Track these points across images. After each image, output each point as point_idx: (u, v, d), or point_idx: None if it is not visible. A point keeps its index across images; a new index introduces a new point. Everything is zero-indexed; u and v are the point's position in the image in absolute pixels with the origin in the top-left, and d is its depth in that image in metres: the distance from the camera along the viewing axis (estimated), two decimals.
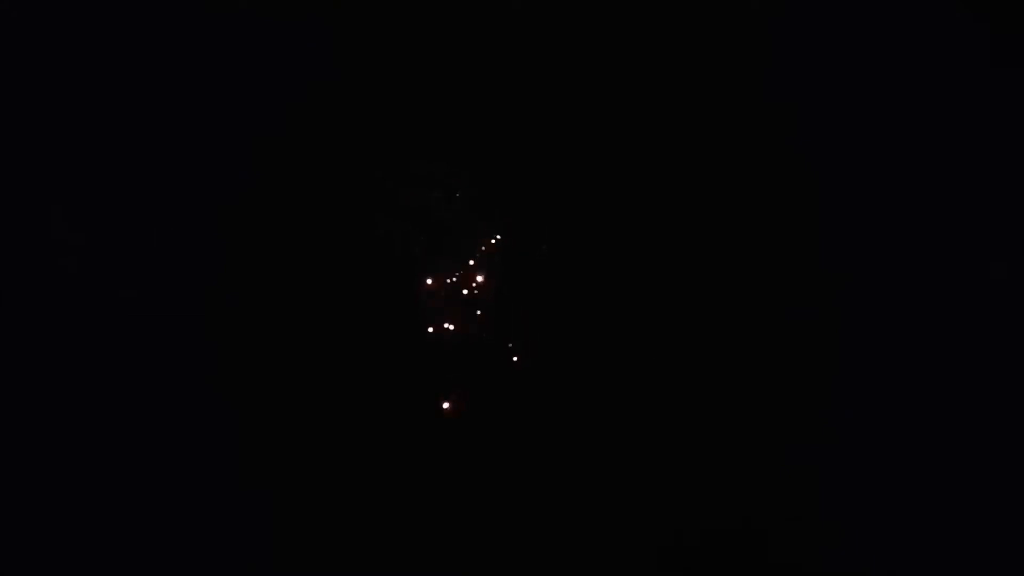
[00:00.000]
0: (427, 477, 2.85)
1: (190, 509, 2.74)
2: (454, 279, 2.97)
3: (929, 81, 2.91)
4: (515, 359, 2.95)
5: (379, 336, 2.92)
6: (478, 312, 2.97)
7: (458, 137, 3.02)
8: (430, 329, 2.94)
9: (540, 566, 2.79)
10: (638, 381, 2.90)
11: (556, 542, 2.81)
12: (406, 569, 2.77)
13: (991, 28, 2.89)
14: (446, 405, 2.85)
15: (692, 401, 2.87)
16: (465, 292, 2.97)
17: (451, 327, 2.95)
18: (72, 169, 2.89)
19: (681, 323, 2.92)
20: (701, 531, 2.80)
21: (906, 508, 2.73)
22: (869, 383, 2.82)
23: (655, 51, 3.00)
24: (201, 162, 2.92)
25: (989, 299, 2.81)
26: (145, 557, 2.71)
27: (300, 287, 2.91)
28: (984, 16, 2.89)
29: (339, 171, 2.97)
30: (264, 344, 2.87)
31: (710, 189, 2.96)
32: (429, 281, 2.96)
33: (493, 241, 3.00)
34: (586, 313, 2.95)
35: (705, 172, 2.97)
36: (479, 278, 2.98)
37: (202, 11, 2.94)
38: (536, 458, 2.87)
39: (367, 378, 2.89)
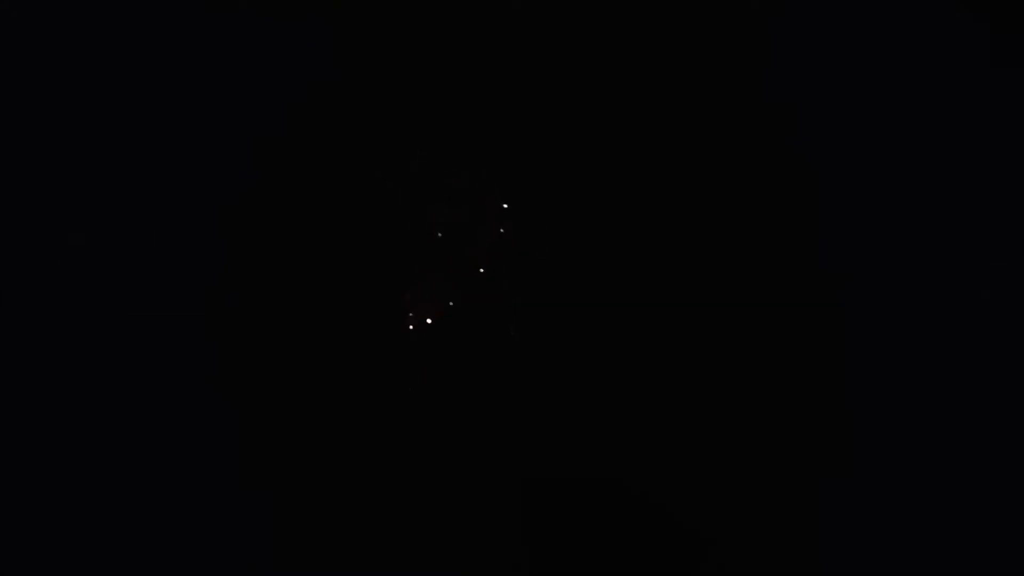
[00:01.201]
0: (426, 476, 2.85)
1: (190, 509, 2.74)
2: (455, 278, 2.97)
3: (929, 81, 2.91)
4: (515, 361, 2.95)
5: (380, 336, 2.92)
6: (479, 312, 2.97)
7: (458, 137, 3.02)
8: (431, 329, 2.94)
9: (540, 565, 2.79)
10: (637, 381, 2.90)
11: (555, 540, 2.81)
12: (407, 568, 2.77)
13: (991, 28, 2.89)
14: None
15: (691, 401, 2.88)
16: (466, 291, 2.97)
17: (452, 327, 2.95)
18: (72, 169, 2.89)
19: (680, 324, 2.92)
20: (700, 531, 2.80)
21: (908, 509, 2.73)
22: (869, 383, 2.82)
23: (655, 51, 3.00)
24: (201, 162, 2.92)
25: (989, 300, 2.81)
26: (145, 557, 2.71)
27: (300, 287, 2.91)
28: (984, 16, 2.90)
29: (339, 171, 2.97)
30: (264, 344, 2.87)
31: (710, 189, 2.96)
32: (428, 282, 2.96)
33: (494, 241, 3.00)
34: (587, 313, 2.95)
35: (705, 172, 2.97)
36: (480, 277, 2.98)
37: (202, 11, 2.94)
38: (537, 458, 2.88)
39: (368, 378, 2.89)
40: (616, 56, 3.01)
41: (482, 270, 2.99)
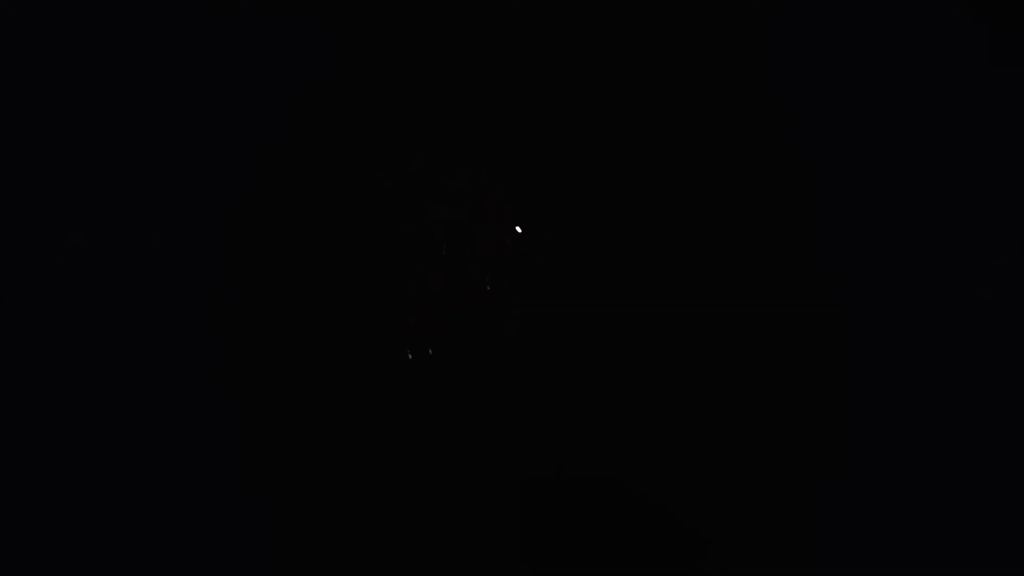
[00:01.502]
0: (426, 476, 2.85)
1: (190, 509, 2.74)
2: (455, 279, 2.97)
3: (929, 81, 2.91)
4: (515, 361, 2.95)
5: (380, 336, 2.92)
6: (479, 312, 2.97)
7: (458, 137, 3.02)
8: (431, 330, 2.94)
9: (540, 565, 2.79)
10: (637, 381, 2.90)
11: (555, 540, 2.81)
12: (407, 568, 2.77)
13: (991, 28, 2.89)
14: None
15: (691, 401, 2.87)
16: (466, 292, 2.97)
17: (452, 328, 2.95)
18: (72, 169, 2.89)
19: (681, 324, 2.91)
20: (700, 531, 2.80)
21: (908, 509, 2.73)
22: (869, 383, 2.82)
23: (655, 51, 3.00)
24: (201, 162, 2.92)
25: (989, 300, 2.81)
26: (145, 557, 2.71)
27: (300, 287, 2.91)
28: (984, 16, 2.89)
29: (339, 171, 2.97)
30: (264, 344, 2.87)
31: (710, 189, 2.96)
32: (429, 283, 2.96)
33: (494, 240, 3.00)
34: (587, 313, 2.95)
35: (705, 172, 2.97)
36: (480, 277, 2.98)
37: (202, 11, 2.94)
38: (537, 458, 2.88)
39: (368, 378, 2.89)
40: (616, 56, 3.01)
41: (482, 270, 2.98)
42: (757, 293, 2.90)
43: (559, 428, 2.89)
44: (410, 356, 2.90)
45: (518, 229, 2.72)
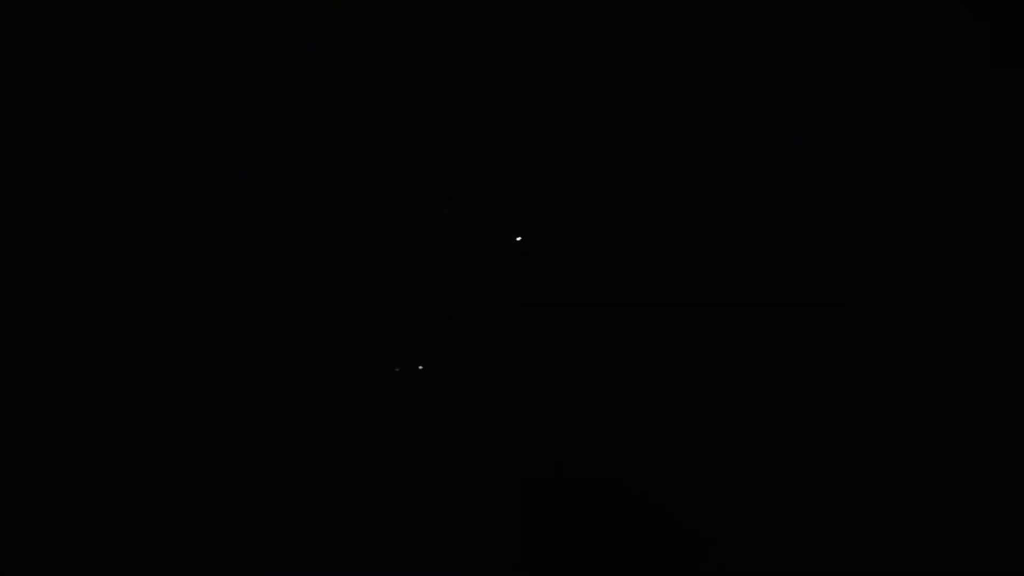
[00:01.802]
0: (426, 476, 2.85)
1: (191, 509, 2.74)
2: (456, 280, 2.97)
3: (929, 81, 2.91)
4: (515, 361, 2.95)
5: (379, 336, 2.92)
6: (478, 312, 2.97)
7: (458, 137, 3.02)
8: (431, 330, 2.94)
9: (540, 565, 2.79)
10: (638, 381, 2.90)
11: (555, 540, 2.81)
12: (407, 568, 2.77)
13: (991, 28, 2.89)
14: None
15: (691, 401, 2.87)
16: (467, 293, 2.97)
17: (452, 328, 2.95)
18: (72, 169, 2.89)
19: (681, 324, 2.91)
20: (700, 531, 2.80)
21: (908, 509, 2.73)
22: (869, 383, 2.82)
23: (655, 51, 3.00)
24: (201, 162, 2.92)
25: (989, 300, 2.81)
26: (145, 557, 2.71)
27: (300, 287, 2.91)
28: (984, 16, 2.90)
29: (339, 171, 2.97)
30: (264, 344, 2.87)
31: (710, 189, 2.96)
32: (428, 283, 2.96)
33: (494, 240, 3.00)
34: (587, 313, 2.95)
35: (705, 172, 2.97)
36: (482, 279, 2.98)
37: (202, 11, 2.94)
38: (537, 458, 2.88)
39: (368, 378, 2.89)
40: (616, 56, 3.01)
41: (482, 270, 2.98)
42: (757, 293, 2.90)
43: (559, 428, 2.89)
44: (397, 370, 2.90)
45: (519, 239, 2.72)
